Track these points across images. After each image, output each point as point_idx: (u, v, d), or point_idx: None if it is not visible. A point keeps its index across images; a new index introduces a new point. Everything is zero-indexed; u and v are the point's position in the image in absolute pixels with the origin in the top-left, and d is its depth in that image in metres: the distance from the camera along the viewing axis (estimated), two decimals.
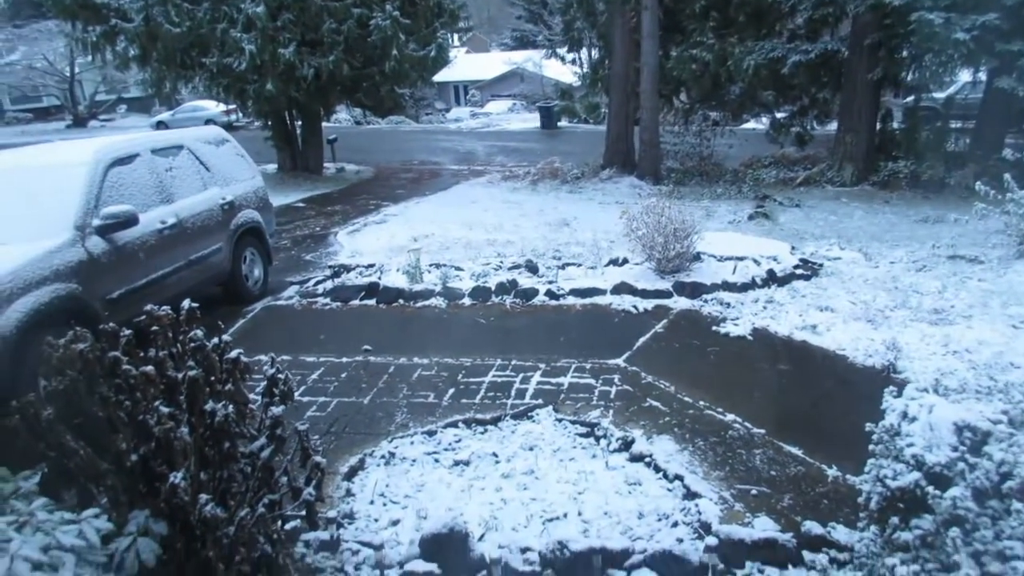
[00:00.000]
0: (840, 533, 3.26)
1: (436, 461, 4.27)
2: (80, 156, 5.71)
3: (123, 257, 5.49)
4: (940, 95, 16.92)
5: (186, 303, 3.01)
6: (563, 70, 28.75)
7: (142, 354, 2.78)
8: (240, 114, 27.27)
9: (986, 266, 7.62)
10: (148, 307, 2.91)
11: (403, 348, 5.94)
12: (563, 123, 31.24)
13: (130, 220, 5.44)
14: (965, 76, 16.84)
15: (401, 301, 7.14)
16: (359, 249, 9.59)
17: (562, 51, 22.18)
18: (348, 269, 8.17)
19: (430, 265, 7.86)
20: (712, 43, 14.14)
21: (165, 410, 2.57)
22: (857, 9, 12.47)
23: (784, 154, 16.51)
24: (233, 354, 2.84)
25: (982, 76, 14.19)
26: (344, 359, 5.77)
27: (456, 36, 22.91)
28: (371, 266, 8.19)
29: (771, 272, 7.30)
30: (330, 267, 8.46)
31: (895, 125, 14.78)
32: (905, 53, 12.60)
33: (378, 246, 9.65)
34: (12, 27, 41.03)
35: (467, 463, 4.23)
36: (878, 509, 2.56)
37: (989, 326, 5.78)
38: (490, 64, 44.11)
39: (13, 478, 2.24)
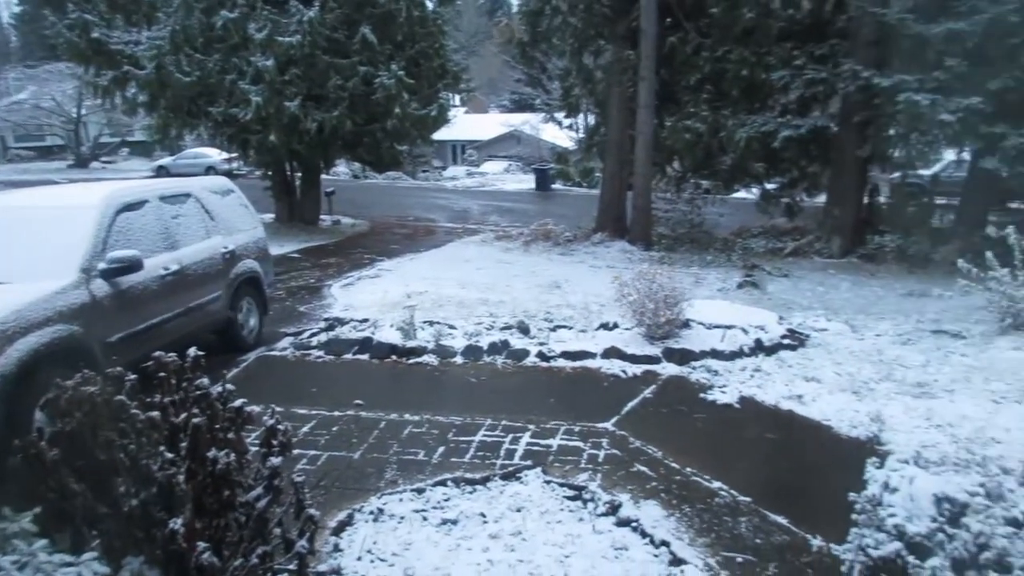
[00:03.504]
0: None
1: (424, 519, 4.28)
2: (91, 199, 5.84)
3: (125, 301, 5.57)
4: (926, 172, 17.40)
5: (192, 351, 3.10)
6: (559, 134, 29.42)
7: (147, 399, 2.85)
8: (241, 163, 27.70)
9: (969, 341, 7.79)
10: (156, 353, 2.99)
11: (395, 404, 5.99)
12: (557, 185, 31.79)
13: (135, 265, 5.55)
14: (950, 155, 17.39)
15: (394, 357, 7.20)
16: (353, 303, 9.68)
17: (559, 116, 22.77)
18: (342, 323, 8.25)
19: (423, 322, 7.95)
20: (706, 115, 14.57)
21: (169, 455, 2.63)
22: (847, 88, 12.94)
23: (774, 224, 16.85)
24: (237, 403, 2.91)
25: (966, 156, 14.66)
26: (336, 413, 5.81)
27: (457, 97, 23.46)
28: (365, 320, 8.27)
29: (759, 341, 7.43)
30: (324, 320, 8.54)
31: (882, 200, 15.16)
32: (892, 132, 12.99)
33: (372, 300, 9.74)
34: (24, 67, 41.99)
35: (455, 522, 4.25)
36: None
37: (971, 401, 5.91)
38: (488, 125, 45.06)
39: (16, 517, 2.28)
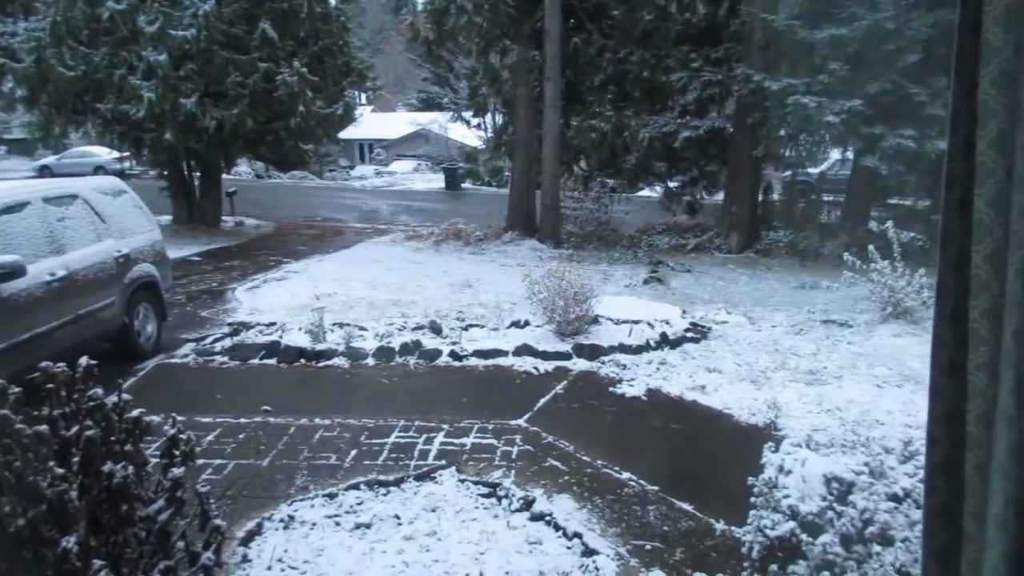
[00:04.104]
0: None
1: (337, 524, 4.22)
2: None
3: (6, 309, 5.23)
4: (814, 171, 18.40)
5: (83, 360, 2.94)
6: (468, 133, 29.46)
7: (35, 413, 2.69)
8: (133, 162, 26.37)
9: (855, 330, 8.30)
10: (43, 363, 2.82)
11: (304, 409, 5.86)
12: (467, 185, 31.81)
13: (16, 271, 5.23)
14: (835, 154, 18.45)
15: (303, 361, 7.04)
16: (259, 306, 9.40)
17: (467, 115, 22.79)
18: (247, 327, 7.99)
19: (333, 324, 7.80)
20: (610, 115, 14.93)
21: (59, 471, 2.49)
22: (740, 91, 13.54)
23: (676, 221, 17.43)
24: (135, 413, 2.79)
25: (850, 155, 15.61)
26: (242, 420, 5.63)
27: (363, 95, 23.15)
28: (272, 324, 8.04)
29: (664, 335, 7.67)
30: (228, 324, 8.25)
31: (775, 197, 15.93)
32: (783, 132, 13.69)
33: (278, 304, 9.49)
34: None
35: (369, 526, 4.20)
36: (759, 558, 2.76)
37: (857, 386, 6.30)
38: (396, 124, 44.61)
39: None
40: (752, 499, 2.96)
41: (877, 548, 2.43)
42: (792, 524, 2.68)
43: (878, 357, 7.17)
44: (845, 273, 8.80)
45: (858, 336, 8.03)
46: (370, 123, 39.90)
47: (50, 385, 2.77)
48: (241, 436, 5.36)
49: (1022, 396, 0.70)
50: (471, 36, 16.19)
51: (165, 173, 17.21)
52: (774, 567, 2.70)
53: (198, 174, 17.49)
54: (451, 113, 26.97)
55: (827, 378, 6.60)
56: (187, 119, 14.35)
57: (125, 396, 2.93)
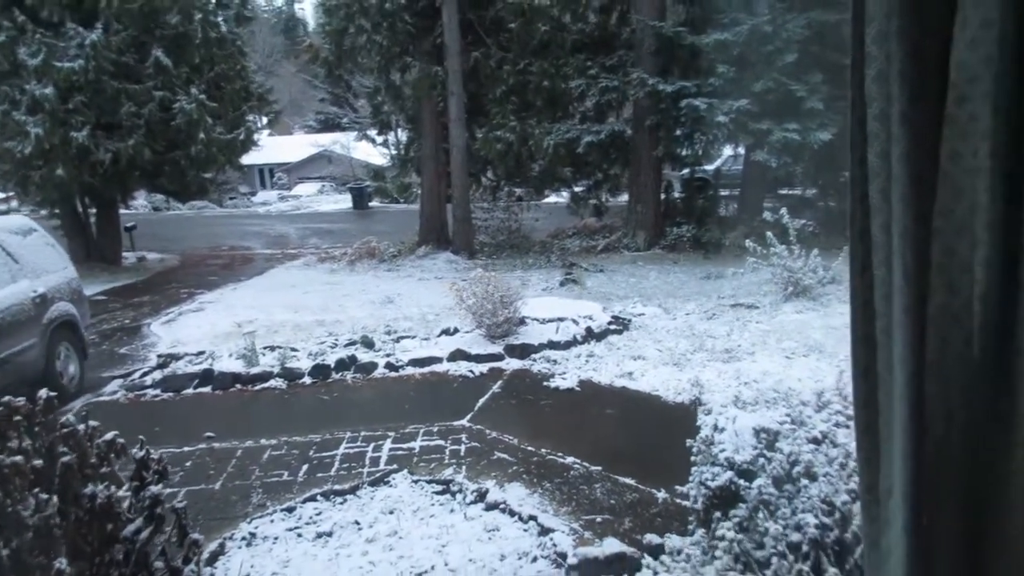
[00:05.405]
0: (674, 540, 3.78)
1: (299, 536, 4.32)
2: None
3: None
4: (710, 167, 19.40)
5: (43, 392, 2.99)
6: (372, 152, 29.28)
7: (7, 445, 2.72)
8: (16, 203, 24.97)
9: (761, 310, 8.93)
10: (5, 398, 2.86)
11: (248, 431, 5.88)
12: (375, 203, 31.67)
13: None
14: (728, 150, 19.52)
15: (238, 385, 7.02)
16: (180, 338, 9.22)
17: (372, 133, 22.72)
18: (176, 358, 7.86)
19: (264, 348, 7.78)
20: (514, 125, 15.34)
21: (44, 497, 2.55)
22: (636, 95, 14.20)
23: (585, 224, 18.00)
24: (108, 436, 2.86)
25: (742, 150, 16.58)
26: (186, 448, 5.61)
27: (264, 118, 22.78)
28: (200, 353, 7.93)
29: (589, 329, 8.05)
30: (158, 356, 8.09)
31: (676, 195, 16.72)
32: (679, 132, 14.44)
33: (200, 334, 9.34)
34: None
35: (330, 534, 4.32)
36: (703, 508, 3.09)
37: (769, 359, 6.85)
38: (296, 147, 43.84)
39: None
40: (692, 457, 3.29)
41: (805, 482, 2.79)
42: (730, 474, 3.02)
43: (785, 332, 7.77)
44: (748, 260, 9.44)
45: (765, 315, 8.65)
46: (269, 147, 39.10)
47: (17, 418, 2.81)
48: (188, 464, 5.34)
49: (913, 358, 0.97)
50: (371, 54, 16.22)
51: (56, 211, 16.44)
52: (718, 514, 3.03)
53: (93, 210, 16.79)
54: (356, 132, 26.75)
55: (741, 355, 7.12)
56: (79, 153, 13.82)
57: (92, 423, 3.00)
